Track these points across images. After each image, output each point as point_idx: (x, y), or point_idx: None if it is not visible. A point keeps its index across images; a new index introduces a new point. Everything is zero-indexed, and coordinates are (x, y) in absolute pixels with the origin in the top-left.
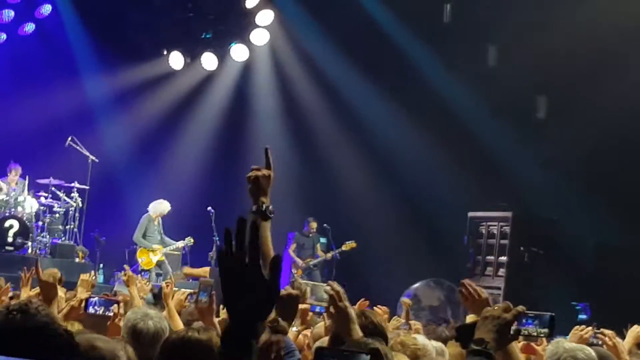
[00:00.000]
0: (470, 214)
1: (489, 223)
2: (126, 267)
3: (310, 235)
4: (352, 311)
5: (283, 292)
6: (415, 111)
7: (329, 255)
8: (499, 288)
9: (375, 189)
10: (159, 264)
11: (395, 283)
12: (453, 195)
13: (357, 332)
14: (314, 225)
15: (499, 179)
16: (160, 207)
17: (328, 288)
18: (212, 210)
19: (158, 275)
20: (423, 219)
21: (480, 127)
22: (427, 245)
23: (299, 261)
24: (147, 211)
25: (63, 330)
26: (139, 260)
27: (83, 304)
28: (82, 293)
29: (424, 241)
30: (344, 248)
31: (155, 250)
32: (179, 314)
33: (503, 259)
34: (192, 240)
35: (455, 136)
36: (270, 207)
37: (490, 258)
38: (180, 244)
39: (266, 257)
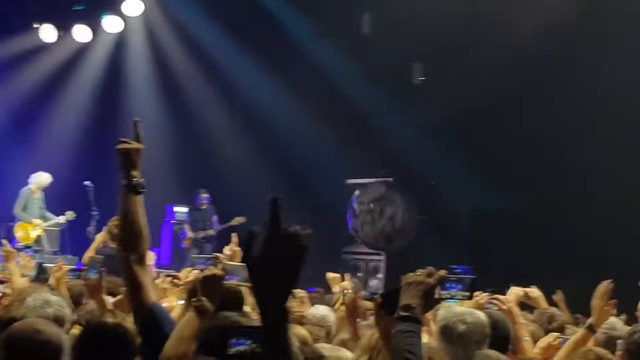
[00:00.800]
0: (349, 181)
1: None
2: (4, 242)
3: (203, 208)
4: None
5: (207, 271)
6: (293, 81)
7: (235, 221)
8: (379, 254)
9: (255, 160)
10: (38, 240)
11: None
12: (334, 164)
13: None
14: (205, 195)
15: (377, 146)
16: (40, 178)
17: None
18: (91, 184)
19: (36, 251)
20: (305, 189)
21: (357, 95)
22: (310, 215)
23: (190, 234)
24: (28, 184)
25: None
26: (16, 235)
27: None
28: None
29: (307, 211)
30: (233, 223)
31: (35, 225)
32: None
33: None
34: (74, 215)
35: (333, 105)
36: (142, 181)
37: None
38: (62, 218)
39: (140, 232)
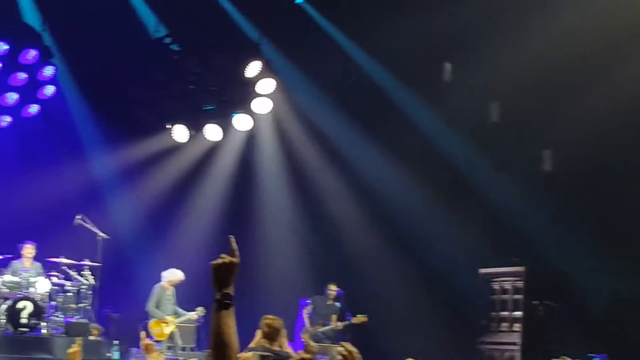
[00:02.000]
0: (482, 270)
1: (501, 279)
2: (142, 334)
3: (328, 302)
4: None
5: (296, 356)
6: (420, 169)
7: (340, 325)
8: (514, 344)
9: (384, 250)
10: (171, 336)
11: (410, 345)
12: (463, 253)
13: None
14: (333, 290)
15: (508, 234)
16: (172, 276)
17: (341, 349)
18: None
19: (169, 347)
20: (434, 279)
21: (486, 183)
22: (440, 305)
23: (308, 325)
24: (160, 281)
25: None
26: (152, 331)
27: None
28: None
29: (436, 301)
30: (354, 321)
31: (168, 322)
32: None
33: (517, 314)
34: (204, 311)
35: (461, 194)
36: (231, 296)
37: (505, 314)
38: (193, 315)
39: (232, 346)
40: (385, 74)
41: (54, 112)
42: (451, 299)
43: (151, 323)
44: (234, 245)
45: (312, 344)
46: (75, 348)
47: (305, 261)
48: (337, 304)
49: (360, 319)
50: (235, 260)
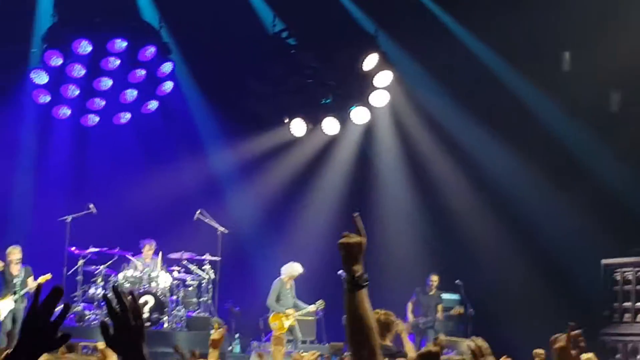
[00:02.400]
0: (604, 261)
1: (624, 269)
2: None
3: (431, 293)
4: None
5: (424, 350)
6: (540, 160)
7: (441, 316)
8: (638, 335)
9: (504, 240)
10: (291, 329)
11: (531, 336)
12: (584, 243)
13: None
14: (435, 280)
15: (630, 224)
16: (291, 270)
17: (471, 343)
18: (344, 274)
19: (289, 341)
20: (556, 269)
21: (606, 172)
22: (560, 296)
23: (410, 318)
24: (280, 275)
25: None
26: (272, 325)
27: None
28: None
29: (557, 291)
30: (452, 313)
31: (288, 315)
32: None
33: None
34: (323, 304)
35: (581, 183)
36: (365, 275)
37: (628, 304)
38: (312, 307)
39: (372, 327)
40: (503, 64)
41: (173, 108)
42: (572, 290)
43: (271, 317)
44: (360, 223)
45: (442, 337)
46: (218, 334)
47: (424, 253)
48: (445, 295)
49: (457, 311)
50: (364, 238)
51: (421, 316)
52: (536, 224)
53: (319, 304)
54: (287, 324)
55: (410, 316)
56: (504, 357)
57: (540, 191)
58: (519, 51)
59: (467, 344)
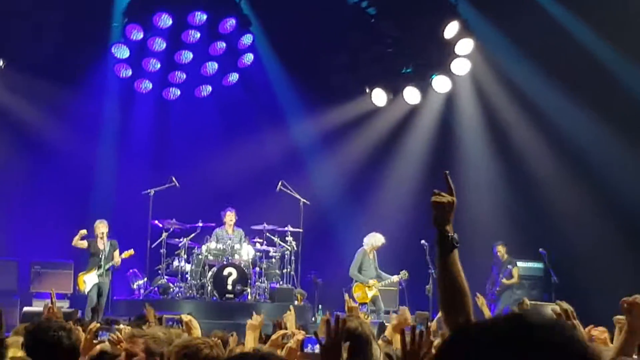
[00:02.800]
0: None
1: None
2: (347, 297)
3: (503, 260)
4: (582, 329)
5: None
6: (622, 126)
7: (507, 282)
8: None
9: (587, 207)
10: (374, 300)
11: (616, 304)
12: None
13: None
14: (501, 250)
15: None
16: (373, 239)
17: (556, 307)
18: (426, 244)
19: (372, 312)
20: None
21: None
22: None
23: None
24: (362, 246)
25: None
26: (355, 295)
27: (300, 345)
28: (298, 334)
29: None
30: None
31: (370, 286)
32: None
33: None
34: (406, 274)
35: None
36: (455, 235)
37: None
38: (395, 278)
39: (465, 291)
40: (587, 31)
41: (253, 80)
42: None
43: (354, 287)
44: (451, 183)
45: (527, 301)
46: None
47: (506, 221)
48: (519, 262)
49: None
50: (453, 198)
51: (490, 284)
52: (619, 190)
53: (403, 274)
54: (370, 294)
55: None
56: (591, 326)
57: (624, 157)
58: (602, 16)
59: (552, 308)
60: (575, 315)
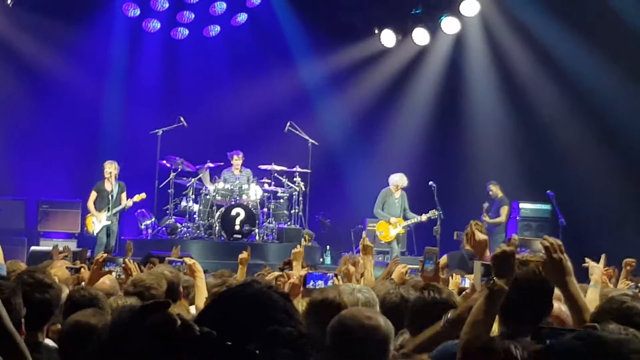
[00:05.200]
0: None
1: None
2: (363, 234)
3: (496, 199)
4: (569, 264)
5: (497, 250)
6: (631, 68)
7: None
8: None
9: (594, 149)
10: (397, 238)
11: (623, 245)
12: None
13: (574, 285)
14: (494, 189)
15: None
16: (394, 179)
17: (544, 241)
18: (434, 185)
19: (383, 252)
20: None
21: None
22: None
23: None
24: (388, 184)
25: None
26: (378, 233)
27: (302, 280)
28: (300, 270)
29: None
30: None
31: (394, 224)
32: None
33: None
34: (436, 213)
35: None
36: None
37: None
38: (424, 217)
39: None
40: None
41: (262, 21)
42: None
43: (377, 225)
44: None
45: (515, 237)
46: (299, 249)
47: (514, 162)
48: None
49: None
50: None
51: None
52: (627, 132)
53: (432, 213)
54: (393, 232)
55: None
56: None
57: (632, 99)
58: None
59: (541, 241)
60: (563, 250)
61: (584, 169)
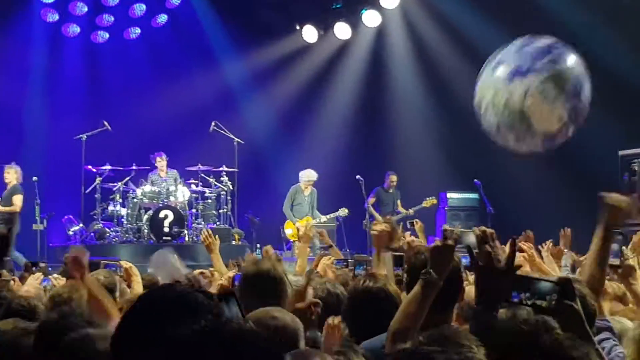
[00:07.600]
0: (621, 152)
1: None
2: (305, 224)
3: (390, 191)
4: (501, 252)
5: (437, 242)
6: None
7: (411, 211)
8: None
9: None
10: (314, 235)
11: (551, 231)
12: (601, 134)
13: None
14: (394, 179)
15: None
16: (304, 174)
17: (476, 230)
18: (362, 179)
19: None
20: (572, 161)
21: (619, 64)
22: (579, 188)
23: (378, 218)
24: (298, 182)
25: None
26: (286, 231)
27: (231, 281)
28: (229, 271)
29: (576, 184)
30: (424, 205)
31: (303, 222)
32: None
33: None
34: (346, 211)
35: (599, 74)
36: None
37: None
38: (332, 215)
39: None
40: None
41: (183, 21)
42: (590, 183)
43: (285, 223)
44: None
45: (457, 230)
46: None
47: (440, 153)
48: (397, 192)
49: (430, 201)
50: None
51: (389, 215)
52: None
53: (341, 211)
54: (302, 230)
55: (375, 214)
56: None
57: None
58: None
59: (474, 229)
60: (495, 238)
61: (510, 156)
